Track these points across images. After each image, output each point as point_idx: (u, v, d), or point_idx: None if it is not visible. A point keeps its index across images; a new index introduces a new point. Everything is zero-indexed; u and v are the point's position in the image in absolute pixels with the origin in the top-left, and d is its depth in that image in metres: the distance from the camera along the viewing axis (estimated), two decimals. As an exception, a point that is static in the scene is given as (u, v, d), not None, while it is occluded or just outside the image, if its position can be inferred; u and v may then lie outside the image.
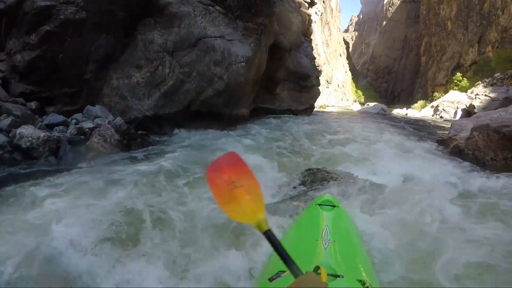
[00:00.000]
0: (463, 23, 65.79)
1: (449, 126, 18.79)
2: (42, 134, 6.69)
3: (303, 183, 4.81)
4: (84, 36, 9.19)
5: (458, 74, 56.11)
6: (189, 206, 4.14)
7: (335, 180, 4.58)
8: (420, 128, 17.38)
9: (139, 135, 8.66)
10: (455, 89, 43.05)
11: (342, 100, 73.82)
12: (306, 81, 21.64)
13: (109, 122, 8.13)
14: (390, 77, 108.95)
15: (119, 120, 8.52)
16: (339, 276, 1.77)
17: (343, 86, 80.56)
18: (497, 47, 52.49)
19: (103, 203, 4.17)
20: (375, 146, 8.62)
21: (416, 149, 8.60)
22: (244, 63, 10.98)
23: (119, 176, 5.38)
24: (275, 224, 3.26)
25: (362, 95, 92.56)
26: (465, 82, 50.99)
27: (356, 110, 43.74)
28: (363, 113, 31.89)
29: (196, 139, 9.44)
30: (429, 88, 75.82)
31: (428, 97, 62.73)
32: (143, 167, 6.11)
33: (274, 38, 15.09)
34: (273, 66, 16.04)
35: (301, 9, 21.90)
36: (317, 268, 1.49)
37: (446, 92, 48.53)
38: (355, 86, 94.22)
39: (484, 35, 58.51)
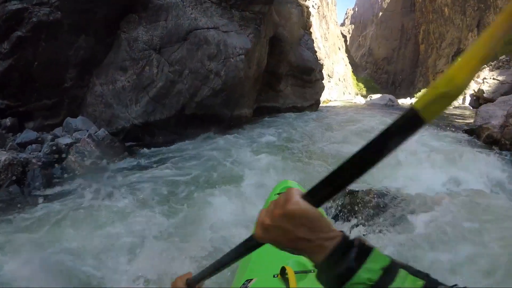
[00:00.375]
0: (460, 8, 65.28)
1: (464, 113, 19.48)
2: (3, 157, 5.46)
3: (341, 213, 3.78)
4: (60, 39, 8.06)
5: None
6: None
7: (383, 204, 3.60)
8: (439, 118, 16.09)
9: (126, 148, 7.47)
10: None
11: (344, 94, 72.90)
12: (310, 75, 20.44)
13: (89, 136, 6.97)
14: (390, 68, 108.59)
15: (102, 132, 7.35)
16: (310, 271, 1.67)
17: (344, 79, 79.85)
18: None
19: (67, 246, 3.35)
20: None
21: (447, 142, 7.83)
22: (243, 56, 9.70)
23: (93, 205, 4.48)
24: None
25: (364, 87, 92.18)
26: None
27: (362, 102, 42.86)
28: (371, 105, 30.90)
29: (192, 148, 8.27)
30: (431, 76, 75.01)
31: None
32: (127, 190, 5.17)
33: (274, 29, 13.83)
34: (274, 60, 14.84)
35: (299, 0, 20.70)
36: (283, 270, 1.47)
37: None
38: (356, 79, 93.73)
39: (483, 19, 58.15)
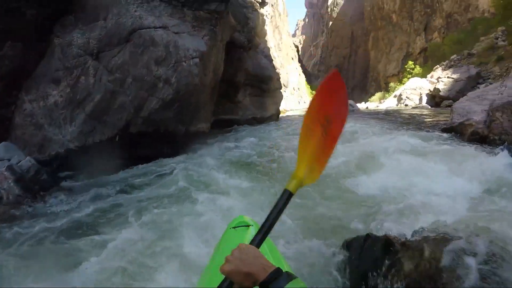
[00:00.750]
0: (408, 14, 69.24)
1: (423, 112, 20.20)
2: None
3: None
4: (-19, 48, 6.53)
5: (410, 62, 60.34)
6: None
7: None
8: (406, 119, 15.90)
9: (57, 180, 5.95)
10: (409, 77, 47.92)
11: (299, 103, 72.90)
12: (268, 84, 19.23)
13: (8, 168, 5.42)
14: (342, 75, 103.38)
15: (26, 161, 5.82)
16: None
17: (298, 89, 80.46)
18: (443, 32, 56.83)
19: None
20: (387, 150, 6.70)
21: (432, 145, 7.08)
22: (197, 60, 8.21)
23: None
24: None
25: None
26: (417, 69, 55.19)
27: None
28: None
29: (141, 176, 6.70)
30: (382, 80, 78.36)
31: (382, 89, 67.43)
32: (49, 243, 3.90)
33: (230, 33, 12.48)
34: (231, 68, 13.51)
35: (254, 6, 19.63)
36: None
37: (400, 81, 55.95)
38: (310, 87, 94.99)
39: (430, 23, 62.59)
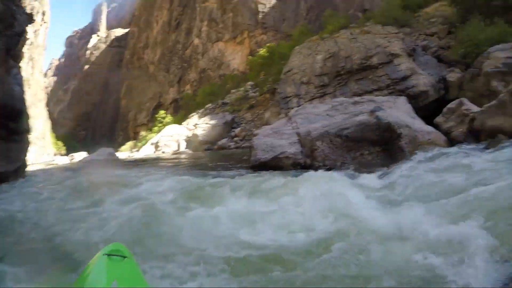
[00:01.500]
0: (165, 66, 74.70)
1: (182, 157, 21.84)
2: None
3: None
4: None
5: (162, 111, 63.17)
6: None
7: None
8: (188, 164, 16.00)
9: None
10: (159, 126, 51.39)
11: (43, 155, 63.42)
12: (18, 123, 13.13)
13: None
14: (89, 124, 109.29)
15: None
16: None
17: (43, 138, 71.09)
18: (195, 85, 63.51)
19: None
20: (207, 203, 5.39)
21: (250, 184, 6.34)
22: None
23: None
24: None
25: (63, 146, 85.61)
26: (169, 117, 58.04)
27: (64, 162, 37.48)
28: (91, 162, 24.09)
29: None
30: (131, 129, 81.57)
31: (131, 138, 69.74)
32: None
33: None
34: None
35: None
36: None
37: (150, 130, 59.02)
38: (55, 137, 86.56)
39: (184, 76, 68.67)
